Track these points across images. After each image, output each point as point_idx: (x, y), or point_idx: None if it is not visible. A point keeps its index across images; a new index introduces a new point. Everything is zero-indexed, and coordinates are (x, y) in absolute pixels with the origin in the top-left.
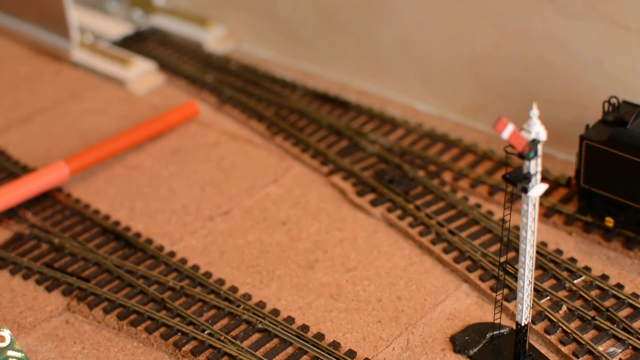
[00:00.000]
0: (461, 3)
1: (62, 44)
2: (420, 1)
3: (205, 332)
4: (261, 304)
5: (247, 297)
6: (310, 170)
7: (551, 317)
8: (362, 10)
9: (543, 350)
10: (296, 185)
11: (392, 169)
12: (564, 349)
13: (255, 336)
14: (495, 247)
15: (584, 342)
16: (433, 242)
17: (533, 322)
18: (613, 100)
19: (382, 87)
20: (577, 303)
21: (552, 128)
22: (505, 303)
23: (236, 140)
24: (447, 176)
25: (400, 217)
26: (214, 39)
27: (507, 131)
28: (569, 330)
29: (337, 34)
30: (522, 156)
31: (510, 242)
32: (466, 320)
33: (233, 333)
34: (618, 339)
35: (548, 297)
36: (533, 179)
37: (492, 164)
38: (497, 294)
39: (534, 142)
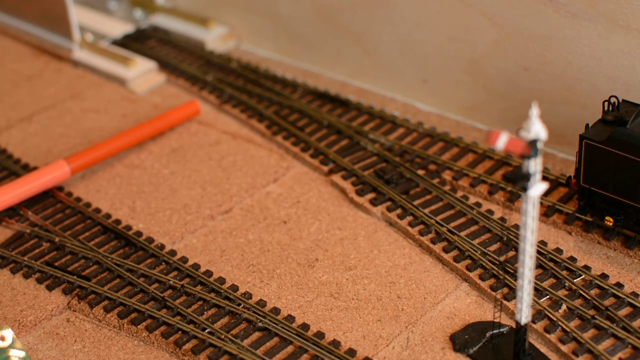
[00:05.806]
0: (461, 2)
1: (63, 43)
2: (420, 1)
3: (206, 331)
4: (261, 303)
5: (248, 295)
6: (310, 169)
7: (551, 316)
8: (363, 10)
9: (543, 349)
10: (296, 184)
11: (392, 168)
12: (564, 348)
13: (256, 335)
14: (495, 246)
15: (583, 341)
16: (433, 241)
17: (533, 321)
18: (613, 100)
19: (382, 86)
20: (577, 302)
21: (552, 127)
22: (505, 302)
23: (237, 140)
24: (447, 175)
25: (400, 216)
26: (215, 38)
27: (501, 141)
28: (568, 329)
29: (338, 33)
30: (522, 156)
31: (510, 241)
32: (466, 319)
33: (233, 332)
34: (618, 338)
35: (548, 296)
36: (533, 178)
37: (492, 163)
38: (497, 292)
39: (534, 142)
